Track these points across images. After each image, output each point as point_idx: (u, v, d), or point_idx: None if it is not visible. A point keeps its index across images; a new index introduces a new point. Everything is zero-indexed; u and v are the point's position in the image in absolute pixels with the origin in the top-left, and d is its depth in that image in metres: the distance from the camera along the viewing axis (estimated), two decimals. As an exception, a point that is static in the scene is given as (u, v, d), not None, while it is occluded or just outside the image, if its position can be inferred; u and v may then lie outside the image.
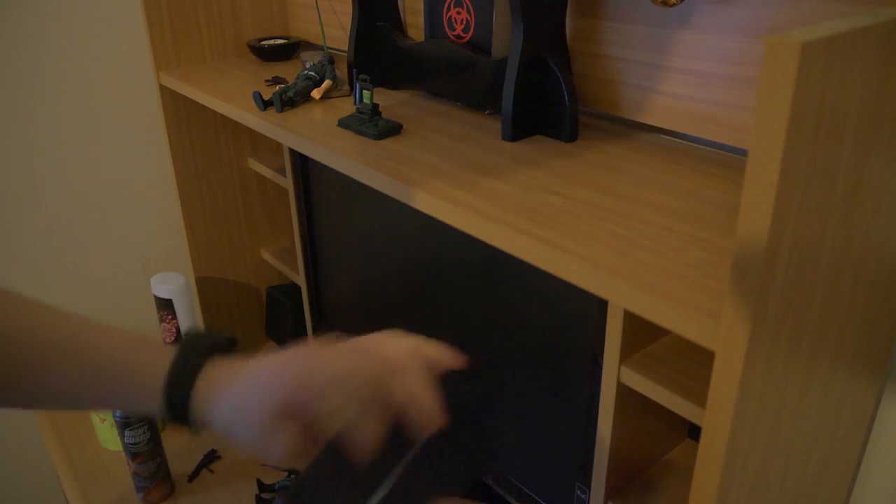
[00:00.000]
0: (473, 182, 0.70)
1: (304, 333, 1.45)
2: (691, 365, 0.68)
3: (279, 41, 1.26)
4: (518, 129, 0.80)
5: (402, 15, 1.03)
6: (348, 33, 0.98)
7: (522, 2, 0.75)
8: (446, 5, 0.90)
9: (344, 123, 0.87)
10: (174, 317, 1.27)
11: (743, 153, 0.75)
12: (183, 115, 1.26)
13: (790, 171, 0.40)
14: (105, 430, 1.24)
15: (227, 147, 1.34)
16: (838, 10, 0.61)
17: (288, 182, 1.22)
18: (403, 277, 1.02)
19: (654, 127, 0.82)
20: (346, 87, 1.02)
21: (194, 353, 0.56)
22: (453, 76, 0.91)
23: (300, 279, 1.31)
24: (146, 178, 1.47)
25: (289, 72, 1.17)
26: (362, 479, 0.52)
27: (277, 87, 0.97)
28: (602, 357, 0.71)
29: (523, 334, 0.82)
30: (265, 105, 0.96)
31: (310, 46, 1.32)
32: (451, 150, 0.78)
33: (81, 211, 1.43)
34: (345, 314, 1.23)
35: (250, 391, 0.53)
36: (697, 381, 0.65)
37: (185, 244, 1.38)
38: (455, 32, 0.91)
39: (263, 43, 1.25)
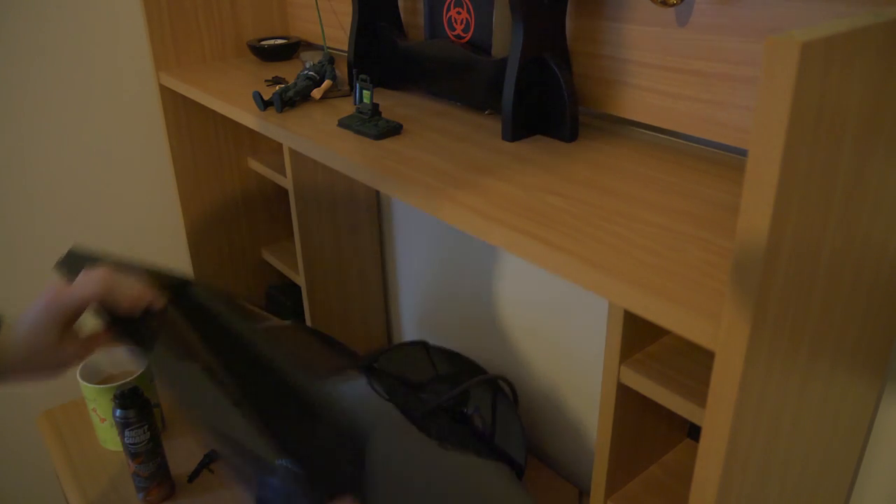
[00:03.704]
0: (473, 182, 0.70)
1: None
2: (691, 365, 0.68)
3: (279, 41, 1.26)
4: (518, 129, 0.80)
5: (402, 15, 1.03)
6: (348, 33, 0.98)
7: (522, 2, 0.75)
8: (446, 5, 0.90)
9: (344, 123, 0.87)
10: (174, 317, 1.27)
11: (743, 153, 0.75)
12: (183, 115, 1.26)
13: (790, 171, 0.40)
14: (105, 430, 1.24)
15: (227, 147, 1.34)
16: (838, 10, 0.61)
17: (288, 182, 1.22)
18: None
19: (654, 127, 0.82)
20: (346, 87, 1.02)
21: None
22: (453, 76, 0.91)
23: (300, 279, 1.31)
24: (146, 178, 1.48)
25: (289, 72, 1.17)
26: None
27: (277, 87, 0.97)
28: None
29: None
30: (265, 105, 0.96)
31: (310, 46, 1.32)
32: (451, 150, 0.78)
33: (81, 211, 1.43)
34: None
35: (33, 320, 0.72)
36: (697, 381, 0.65)
37: (185, 244, 1.38)
38: (455, 32, 0.91)
39: (263, 43, 1.25)
